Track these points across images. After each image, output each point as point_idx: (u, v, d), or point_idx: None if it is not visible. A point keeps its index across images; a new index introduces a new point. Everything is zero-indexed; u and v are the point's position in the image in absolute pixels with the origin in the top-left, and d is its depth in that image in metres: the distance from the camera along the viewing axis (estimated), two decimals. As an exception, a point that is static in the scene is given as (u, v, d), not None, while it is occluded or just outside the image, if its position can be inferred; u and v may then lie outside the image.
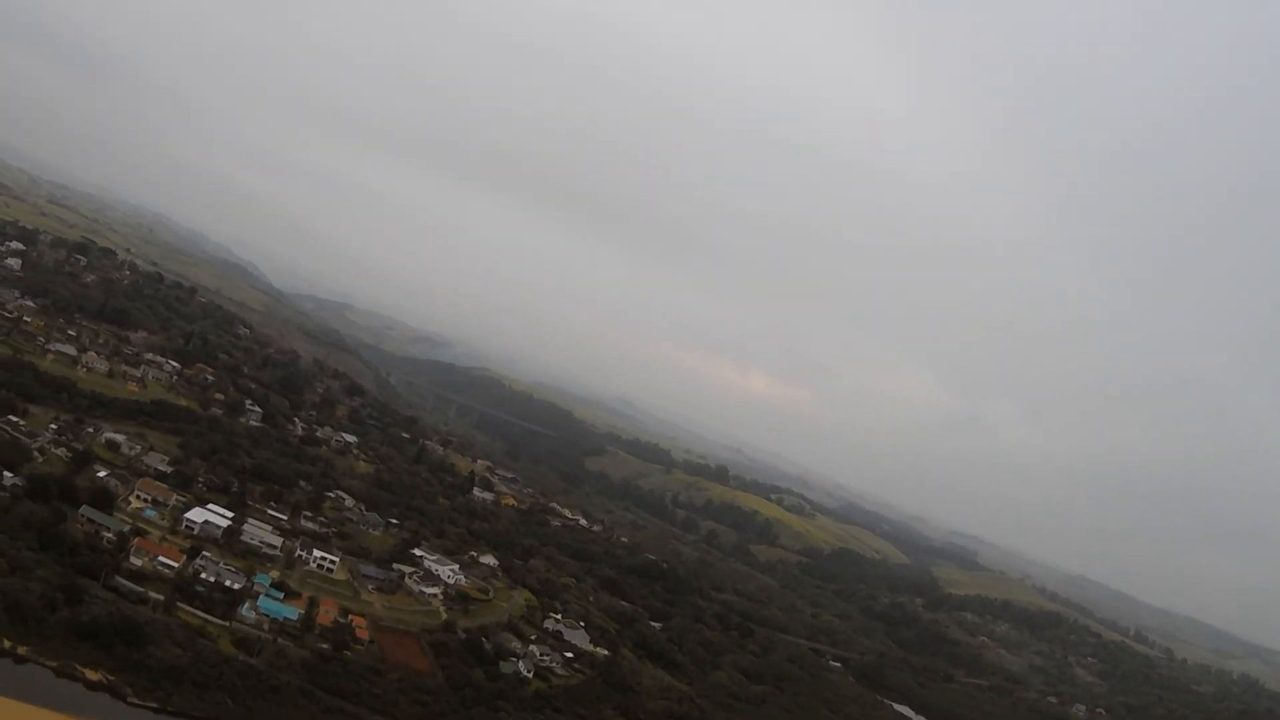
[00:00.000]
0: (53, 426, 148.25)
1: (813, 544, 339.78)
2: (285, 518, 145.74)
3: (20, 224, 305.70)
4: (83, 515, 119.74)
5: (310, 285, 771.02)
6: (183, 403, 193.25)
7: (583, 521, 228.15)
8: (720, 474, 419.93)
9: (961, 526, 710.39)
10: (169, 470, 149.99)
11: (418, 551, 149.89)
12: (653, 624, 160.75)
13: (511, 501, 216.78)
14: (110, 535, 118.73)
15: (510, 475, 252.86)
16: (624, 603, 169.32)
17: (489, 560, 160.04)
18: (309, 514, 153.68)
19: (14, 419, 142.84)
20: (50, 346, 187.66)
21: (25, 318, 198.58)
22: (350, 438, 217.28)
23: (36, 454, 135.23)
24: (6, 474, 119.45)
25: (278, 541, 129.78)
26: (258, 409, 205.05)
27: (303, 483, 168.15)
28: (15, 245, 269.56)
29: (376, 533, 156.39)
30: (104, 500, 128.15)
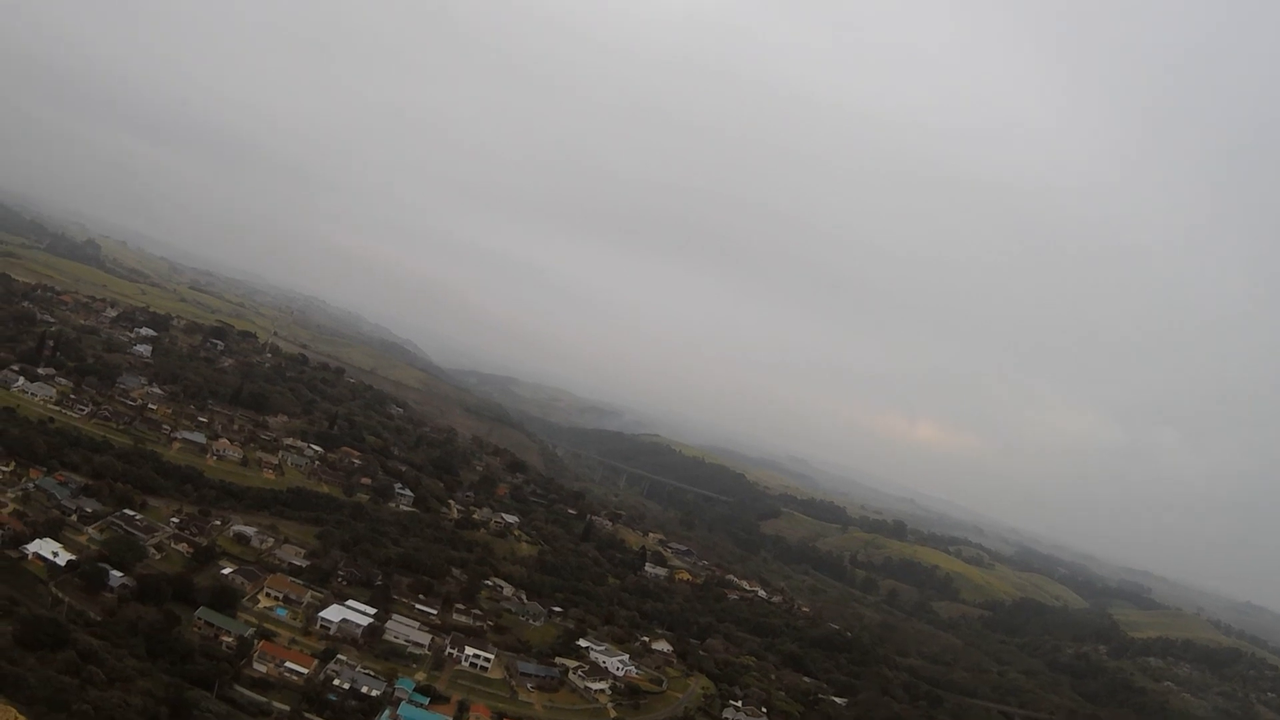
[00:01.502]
0: (174, 520, 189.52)
1: (993, 596, 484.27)
2: (435, 612, 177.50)
3: (151, 310, 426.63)
4: (200, 618, 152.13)
5: (473, 361, 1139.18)
6: (323, 490, 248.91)
7: (761, 592, 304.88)
8: (897, 529, 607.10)
9: (1131, 561, 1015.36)
10: (304, 564, 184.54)
11: (583, 642, 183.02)
12: (837, 700, 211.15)
13: (686, 576, 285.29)
14: (230, 639, 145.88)
15: (684, 548, 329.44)
16: (807, 679, 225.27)
17: (662, 646, 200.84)
18: (462, 606, 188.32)
19: (130, 513, 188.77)
20: (177, 435, 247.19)
21: (150, 405, 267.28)
22: (511, 518, 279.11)
23: (152, 550, 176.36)
24: (115, 574, 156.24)
25: (425, 639, 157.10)
26: (408, 492, 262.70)
27: (456, 571, 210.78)
28: (146, 332, 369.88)
29: (538, 623, 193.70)
30: (226, 600, 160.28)
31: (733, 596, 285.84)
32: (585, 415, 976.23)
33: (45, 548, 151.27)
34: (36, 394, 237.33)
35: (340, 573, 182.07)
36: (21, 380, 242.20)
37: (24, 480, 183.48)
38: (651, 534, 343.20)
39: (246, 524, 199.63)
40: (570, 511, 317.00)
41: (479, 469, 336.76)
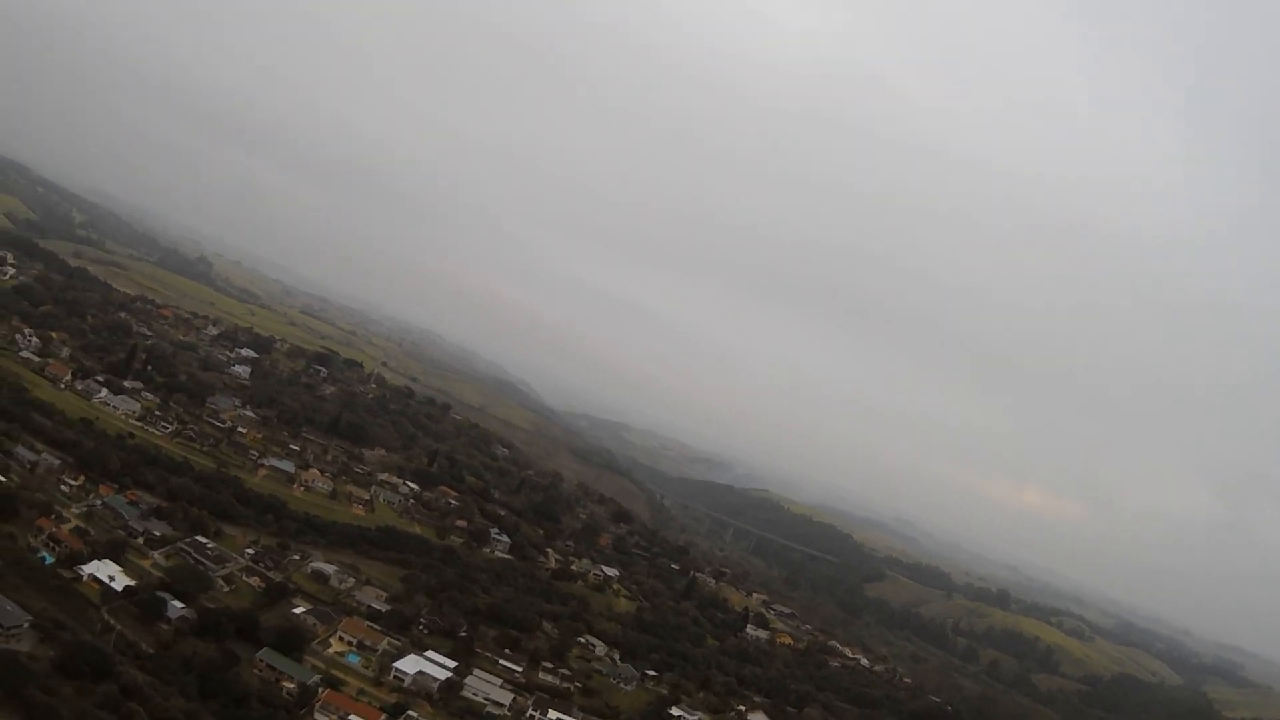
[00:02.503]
0: (249, 551, 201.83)
1: (1093, 670, 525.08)
2: (520, 669, 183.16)
3: (255, 330, 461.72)
4: (262, 659, 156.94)
5: (586, 404, 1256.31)
6: (415, 530, 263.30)
7: (864, 660, 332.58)
8: (1001, 598, 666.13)
9: (1225, 636, 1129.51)
10: (384, 609, 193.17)
11: (676, 710, 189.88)
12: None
13: (788, 640, 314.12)
14: (292, 686, 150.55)
15: (787, 610, 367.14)
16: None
17: (758, 716, 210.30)
18: (550, 665, 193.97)
19: (202, 540, 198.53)
20: (264, 461, 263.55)
21: (240, 429, 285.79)
22: (611, 571, 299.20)
23: (220, 582, 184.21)
24: (175, 604, 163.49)
25: (506, 698, 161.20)
26: (505, 538, 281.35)
27: (548, 625, 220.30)
28: (246, 353, 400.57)
29: (629, 688, 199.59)
30: (294, 641, 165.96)
31: (834, 663, 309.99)
32: (695, 466, 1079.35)
33: (103, 570, 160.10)
34: (119, 407, 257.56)
35: (422, 620, 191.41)
36: (105, 392, 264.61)
37: (92, 496, 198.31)
38: (755, 594, 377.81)
39: (327, 561, 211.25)
40: (674, 566, 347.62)
41: (582, 516, 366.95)
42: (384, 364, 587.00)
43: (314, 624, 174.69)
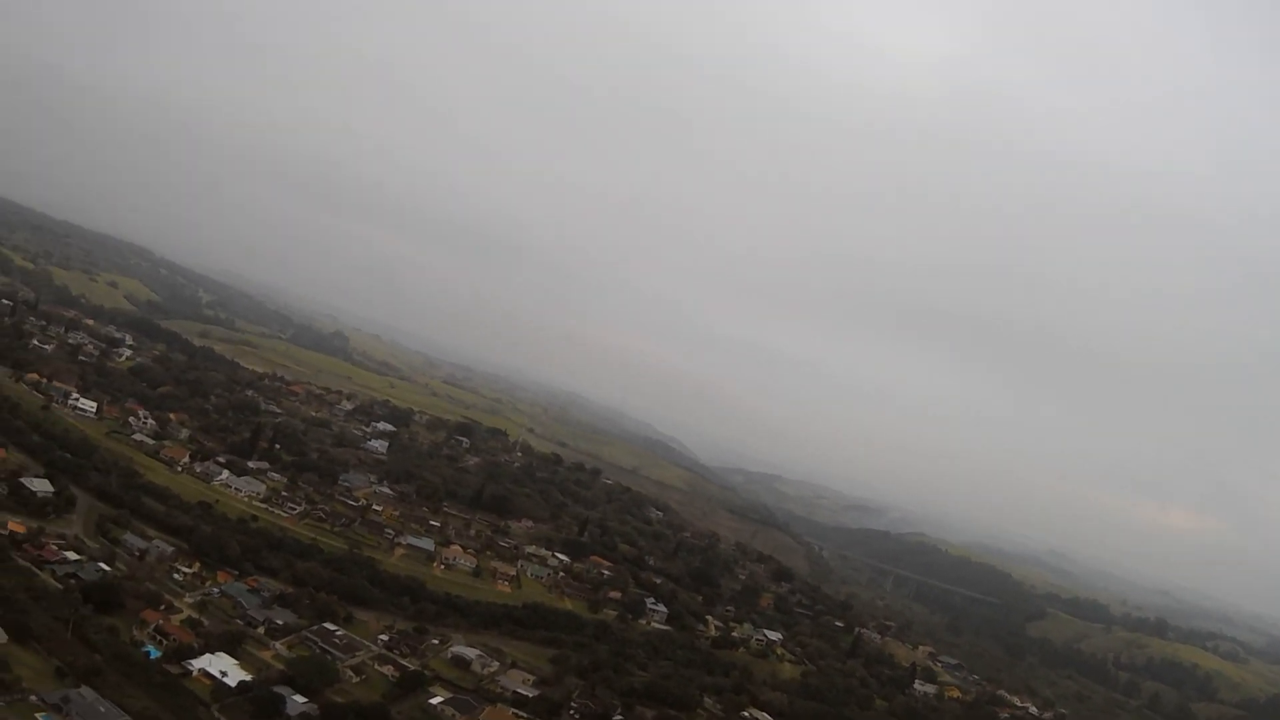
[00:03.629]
0: (382, 638, 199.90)
1: (1249, 694, 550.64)
2: None
3: (392, 404, 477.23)
4: None
5: (739, 458, 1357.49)
6: (565, 605, 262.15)
7: (1032, 709, 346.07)
8: (1159, 627, 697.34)
9: None
10: (531, 694, 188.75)
11: None
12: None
13: (956, 693, 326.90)
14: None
15: (954, 661, 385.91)
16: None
17: None
18: None
19: (330, 628, 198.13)
20: (401, 540, 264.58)
21: (375, 506, 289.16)
22: (774, 634, 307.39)
23: (349, 673, 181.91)
24: (296, 699, 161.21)
25: None
26: (662, 608, 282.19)
27: (709, 701, 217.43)
28: (383, 426, 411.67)
29: None
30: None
31: (1004, 715, 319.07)
32: (849, 513, 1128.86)
33: (215, 664, 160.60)
34: (241, 489, 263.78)
35: (573, 705, 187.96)
36: (226, 474, 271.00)
37: (208, 585, 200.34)
38: (920, 645, 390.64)
39: (469, 644, 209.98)
40: (837, 624, 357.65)
41: (741, 577, 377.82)
42: (530, 430, 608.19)
43: (453, 715, 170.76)
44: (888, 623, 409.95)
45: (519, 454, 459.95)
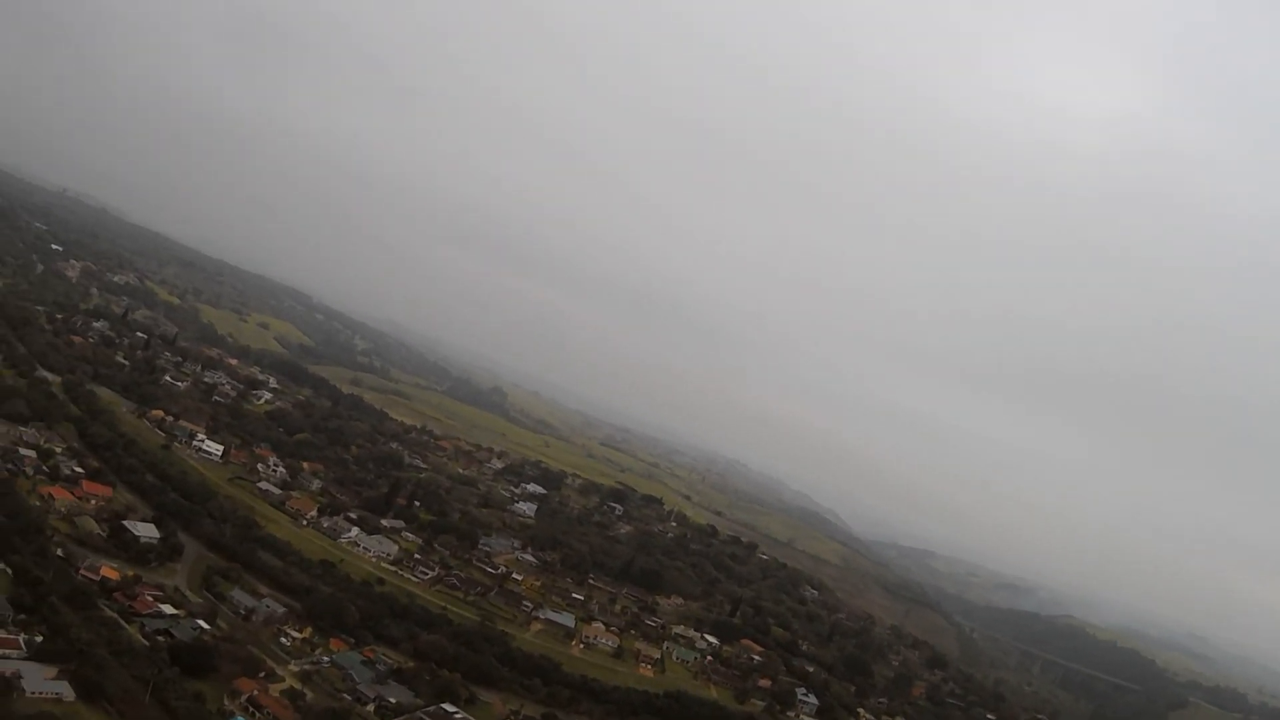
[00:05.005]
0: None
1: None
2: None
3: (545, 464, 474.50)
4: None
5: (893, 531, 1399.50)
6: (709, 693, 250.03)
7: None
8: None
9: None
10: None
11: None
12: None
13: None
14: None
15: None
16: None
17: None
18: None
19: (448, 709, 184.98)
20: (540, 614, 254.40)
21: (515, 575, 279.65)
22: None
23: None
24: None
25: None
26: (813, 699, 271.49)
27: None
28: (533, 488, 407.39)
29: None
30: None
31: None
32: (1000, 593, 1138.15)
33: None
34: (370, 549, 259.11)
35: None
36: (355, 531, 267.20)
37: (318, 652, 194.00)
38: None
39: None
40: (989, 716, 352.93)
41: (894, 664, 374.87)
42: (686, 498, 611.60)
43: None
44: (1039, 716, 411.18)
45: (673, 524, 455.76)
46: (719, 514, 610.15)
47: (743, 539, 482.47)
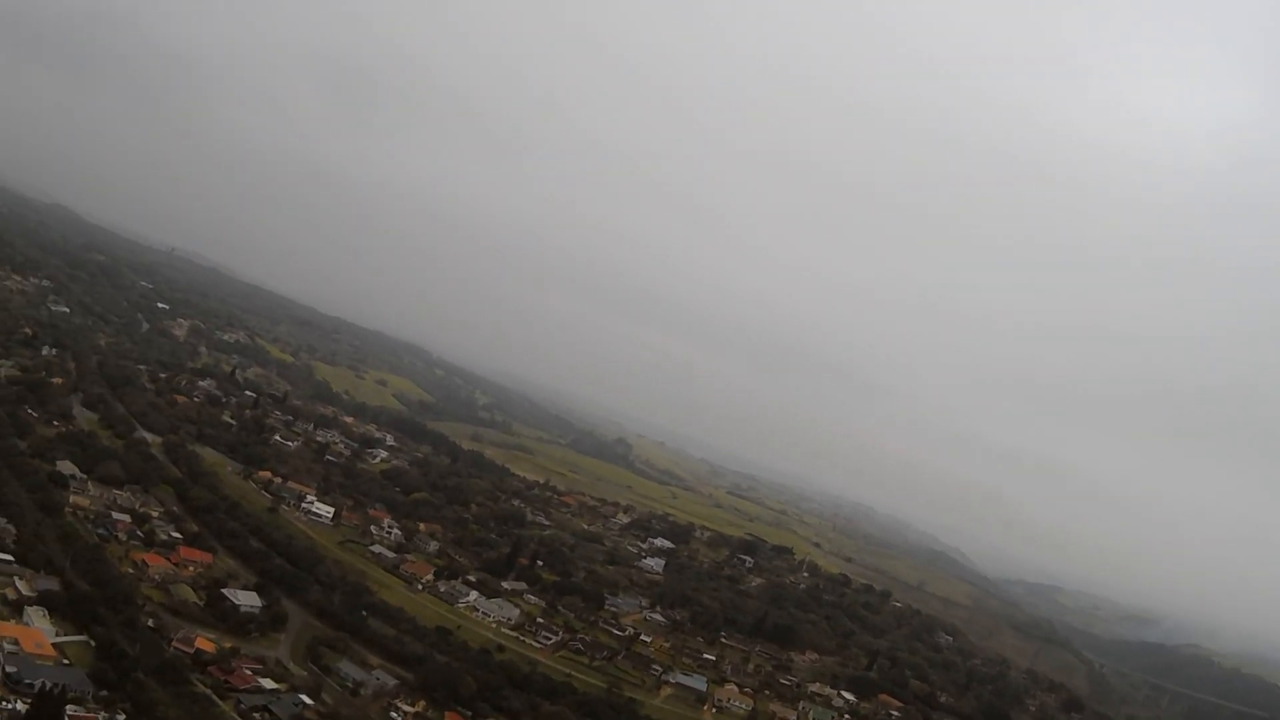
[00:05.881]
0: None
1: None
2: None
3: (671, 517, 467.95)
4: None
5: (1017, 567, 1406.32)
6: None
7: None
8: None
9: None
10: None
11: None
12: None
13: None
14: None
15: None
16: None
17: None
18: None
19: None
20: (670, 677, 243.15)
21: (644, 636, 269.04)
22: None
23: None
24: None
25: None
26: None
27: None
28: (660, 543, 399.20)
29: None
30: None
31: None
32: (1125, 625, 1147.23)
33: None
34: (490, 614, 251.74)
35: None
36: (474, 595, 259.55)
37: None
38: None
39: None
40: None
41: (1032, 709, 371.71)
42: (816, 545, 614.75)
43: None
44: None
45: (805, 574, 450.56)
46: (849, 560, 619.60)
47: (875, 586, 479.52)
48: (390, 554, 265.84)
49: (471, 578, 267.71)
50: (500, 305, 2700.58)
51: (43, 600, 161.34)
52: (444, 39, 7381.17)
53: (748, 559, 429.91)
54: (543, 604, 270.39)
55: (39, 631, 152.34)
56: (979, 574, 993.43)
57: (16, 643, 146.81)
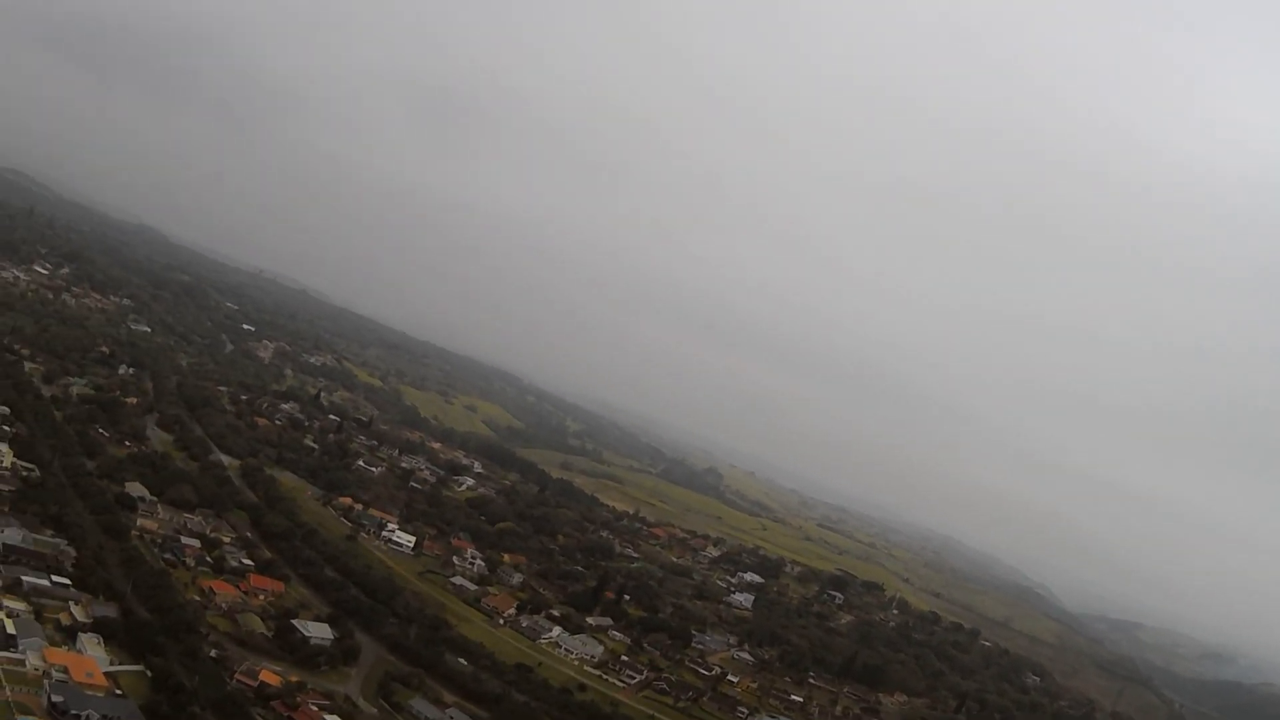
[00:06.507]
0: None
1: None
2: None
3: (762, 551, 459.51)
4: None
5: (1099, 601, 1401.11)
6: None
7: None
8: None
9: None
10: None
11: None
12: None
13: None
14: None
15: None
16: None
17: None
18: None
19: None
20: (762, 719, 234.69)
21: (731, 676, 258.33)
22: None
23: None
24: None
25: None
26: None
27: None
28: (750, 578, 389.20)
29: None
30: None
31: None
32: (1204, 663, 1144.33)
33: None
34: (573, 650, 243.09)
35: None
36: (558, 631, 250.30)
37: None
38: None
39: None
40: None
41: None
42: (905, 580, 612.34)
43: None
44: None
45: (895, 611, 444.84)
46: (937, 595, 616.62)
47: (964, 625, 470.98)
48: (472, 586, 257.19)
49: (555, 612, 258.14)
50: (591, 330, 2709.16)
51: (98, 627, 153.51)
52: (531, 64, 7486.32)
53: (838, 595, 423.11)
54: (628, 641, 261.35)
55: (91, 660, 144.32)
56: (1063, 610, 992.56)
57: (66, 671, 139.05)
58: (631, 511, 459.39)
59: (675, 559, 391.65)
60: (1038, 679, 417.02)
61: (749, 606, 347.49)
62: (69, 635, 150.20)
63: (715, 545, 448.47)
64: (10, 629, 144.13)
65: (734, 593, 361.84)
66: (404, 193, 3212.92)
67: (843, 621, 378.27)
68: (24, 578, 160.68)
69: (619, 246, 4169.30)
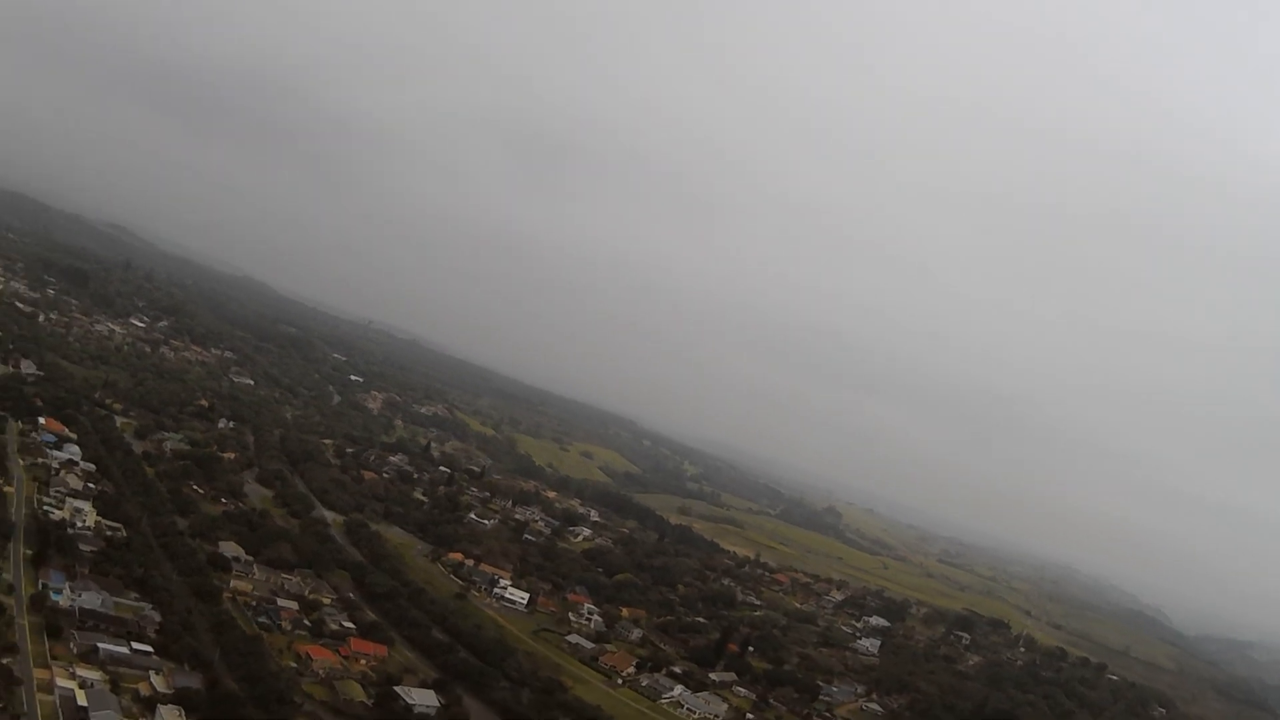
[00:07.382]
0: None
1: None
2: None
3: (886, 593, 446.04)
4: None
5: (1212, 622, 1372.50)
6: None
7: None
8: None
9: None
10: None
11: None
12: None
13: None
14: None
15: None
16: None
17: None
18: None
19: None
20: None
21: None
22: None
23: None
24: None
25: None
26: None
27: None
28: (876, 621, 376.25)
29: None
30: None
31: None
32: None
33: None
34: (696, 710, 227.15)
35: None
36: (679, 689, 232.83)
37: None
38: None
39: None
40: None
41: None
42: (1028, 614, 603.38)
43: None
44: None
45: (1022, 649, 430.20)
46: (1059, 627, 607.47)
47: (1090, 659, 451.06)
48: (588, 644, 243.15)
49: (677, 669, 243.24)
50: (700, 370, 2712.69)
51: (180, 698, 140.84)
52: (622, 102, 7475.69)
53: (964, 635, 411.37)
54: (753, 697, 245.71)
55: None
56: (1178, 633, 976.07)
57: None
58: (753, 556, 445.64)
59: (799, 605, 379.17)
60: (1163, 710, 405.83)
61: (875, 652, 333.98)
62: (147, 707, 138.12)
63: (839, 589, 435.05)
64: (82, 700, 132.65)
65: (860, 638, 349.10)
66: (504, 236, 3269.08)
67: (970, 663, 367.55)
68: (100, 645, 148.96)
69: (721, 283, 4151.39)
